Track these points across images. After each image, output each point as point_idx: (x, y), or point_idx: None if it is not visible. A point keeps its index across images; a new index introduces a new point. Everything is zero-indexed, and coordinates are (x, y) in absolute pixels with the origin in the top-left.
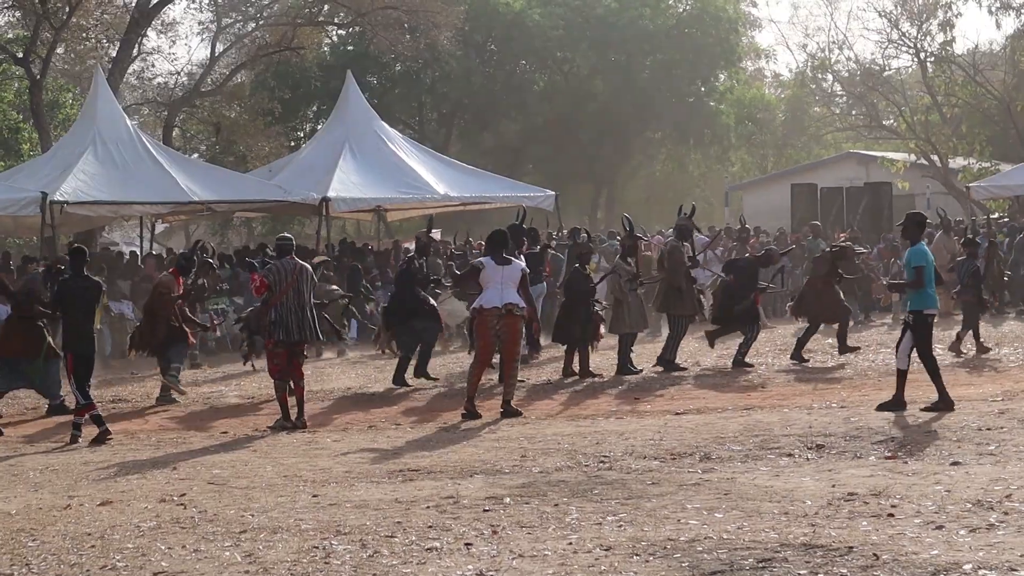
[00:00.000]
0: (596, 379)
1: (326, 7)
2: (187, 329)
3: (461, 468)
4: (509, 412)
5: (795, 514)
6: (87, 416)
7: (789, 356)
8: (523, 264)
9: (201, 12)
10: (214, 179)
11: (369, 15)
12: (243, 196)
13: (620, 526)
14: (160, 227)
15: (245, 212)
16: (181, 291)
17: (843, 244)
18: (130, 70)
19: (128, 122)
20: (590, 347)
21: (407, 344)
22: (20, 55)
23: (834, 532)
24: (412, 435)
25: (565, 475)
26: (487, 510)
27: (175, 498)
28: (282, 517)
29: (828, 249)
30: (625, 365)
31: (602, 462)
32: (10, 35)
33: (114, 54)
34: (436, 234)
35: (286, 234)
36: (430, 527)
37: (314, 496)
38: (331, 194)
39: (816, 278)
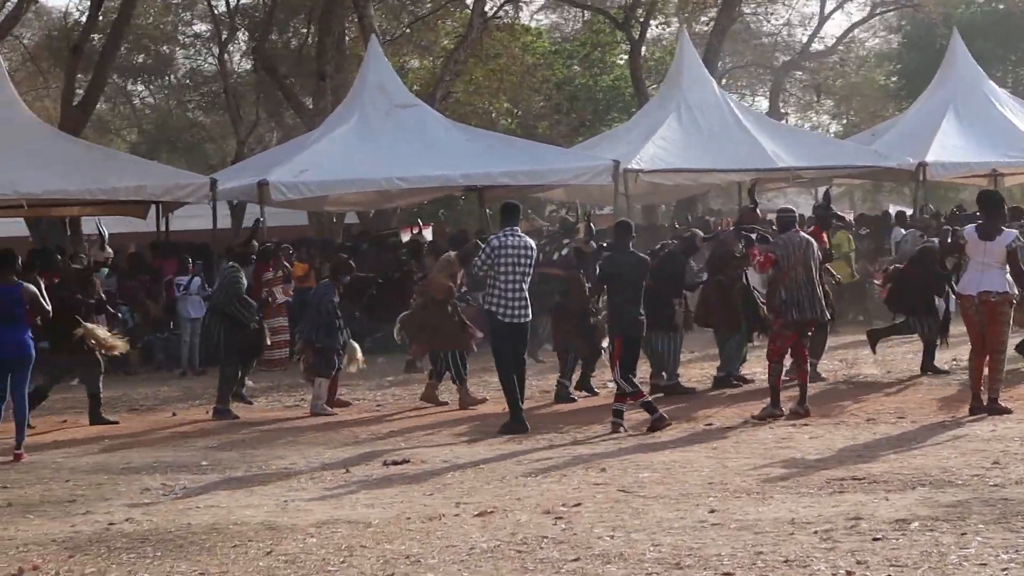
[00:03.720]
0: None
1: None
2: None
3: (911, 477)
4: (994, 410)
5: None
6: (632, 404)
7: None
8: (1013, 237)
9: None
10: (805, 144)
11: None
12: (835, 162)
13: (1005, 570)
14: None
15: (841, 179)
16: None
17: None
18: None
19: (715, 87)
20: None
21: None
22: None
23: None
24: (903, 431)
25: (1018, 491)
26: (876, 539)
27: (562, 508)
28: (641, 541)
29: None
30: None
31: None
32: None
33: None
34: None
35: (789, 206)
36: (785, 561)
37: (711, 512)
38: (929, 159)
39: None
